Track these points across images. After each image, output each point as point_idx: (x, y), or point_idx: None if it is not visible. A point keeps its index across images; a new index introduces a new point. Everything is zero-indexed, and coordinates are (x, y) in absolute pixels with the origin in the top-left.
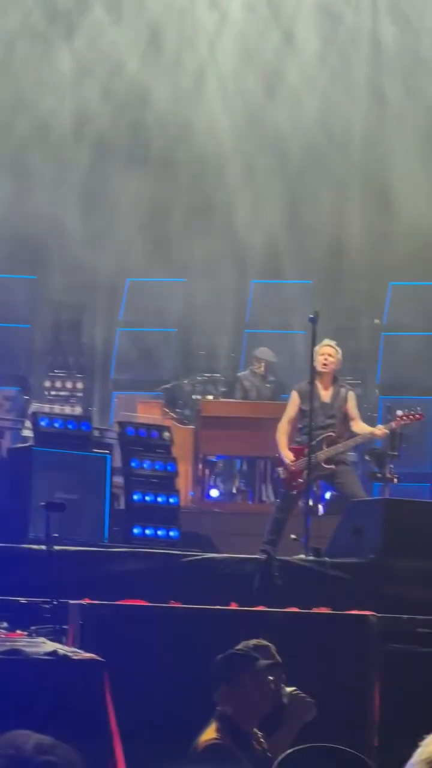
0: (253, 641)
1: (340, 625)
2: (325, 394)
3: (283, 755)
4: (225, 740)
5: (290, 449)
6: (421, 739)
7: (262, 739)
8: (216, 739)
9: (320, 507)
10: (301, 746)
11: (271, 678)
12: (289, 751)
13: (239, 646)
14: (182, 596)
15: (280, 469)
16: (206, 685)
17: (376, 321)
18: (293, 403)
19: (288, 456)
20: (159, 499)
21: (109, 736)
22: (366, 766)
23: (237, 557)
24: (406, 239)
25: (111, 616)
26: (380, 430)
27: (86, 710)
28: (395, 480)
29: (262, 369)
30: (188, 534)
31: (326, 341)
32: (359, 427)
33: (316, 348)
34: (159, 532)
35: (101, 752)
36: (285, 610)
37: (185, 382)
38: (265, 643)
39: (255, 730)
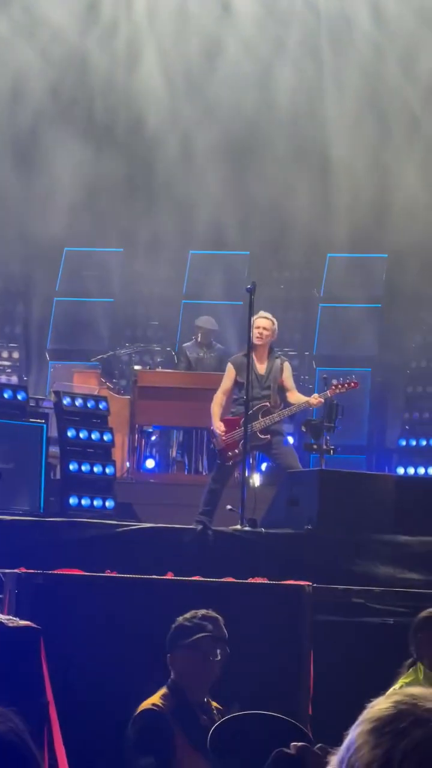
0: (202, 611)
1: (276, 595)
2: (261, 366)
3: (218, 723)
4: (166, 708)
5: (225, 420)
6: (356, 708)
7: (216, 710)
8: (152, 706)
9: (256, 478)
10: (236, 714)
11: (212, 650)
12: (224, 719)
13: (187, 615)
14: (118, 567)
15: (215, 440)
16: (141, 653)
17: (314, 292)
18: (229, 375)
19: (219, 428)
20: (95, 470)
21: (45, 701)
22: (302, 733)
23: (172, 527)
24: (345, 211)
25: (46, 585)
26: (315, 398)
27: (22, 676)
28: (331, 451)
29: (203, 338)
30: (124, 504)
31: (261, 313)
32: (295, 397)
33: (252, 320)
34: (95, 503)
35: (37, 717)
36: (221, 580)
37: (122, 352)
38: (214, 614)
39: (208, 700)
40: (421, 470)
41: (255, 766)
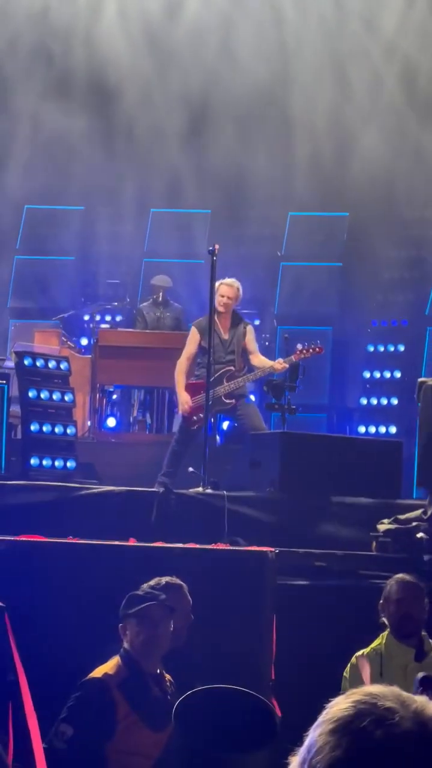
0: (166, 578)
1: (238, 561)
2: (225, 330)
3: (182, 697)
4: (117, 677)
5: (190, 384)
6: (317, 672)
7: (169, 682)
8: (101, 676)
9: (218, 437)
10: (200, 688)
11: (162, 619)
12: (187, 694)
13: (151, 582)
14: (79, 530)
15: (181, 407)
16: (103, 621)
17: (276, 251)
18: (192, 339)
19: (184, 398)
20: (56, 430)
21: (12, 679)
22: (267, 707)
23: (134, 490)
24: (306, 169)
25: (7, 552)
26: (280, 363)
27: None
28: (293, 411)
29: (160, 297)
30: (85, 464)
31: (225, 281)
32: (259, 360)
33: (216, 285)
34: (56, 463)
35: (8, 688)
36: (183, 546)
37: (83, 311)
38: (177, 582)
39: (161, 671)
40: (382, 429)
41: (219, 741)
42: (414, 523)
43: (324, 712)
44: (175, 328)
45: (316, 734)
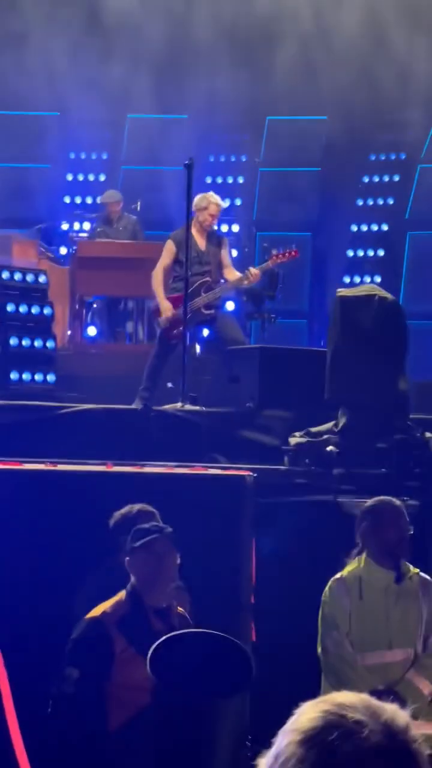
0: (138, 506)
1: (216, 485)
2: (201, 242)
3: (158, 642)
4: (115, 615)
5: (168, 298)
6: (296, 596)
7: (180, 616)
8: (98, 615)
9: (198, 347)
10: (177, 632)
11: (169, 552)
12: (163, 638)
13: (123, 511)
14: (58, 450)
15: (161, 319)
16: (81, 549)
17: (254, 157)
18: (168, 251)
19: (166, 306)
20: (35, 344)
21: None
22: (242, 650)
23: (113, 408)
24: (284, 73)
25: None
26: (254, 273)
27: None
28: (273, 319)
29: (110, 213)
30: (66, 377)
31: (217, 200)
32: (230, 273)
33: (199, 200)
34: (36, 377)
35: None
36: (160, 470)
37: (60, 220)
38: (149, 508)
39: (171, 605)
40: None
41: (194, 684)
42: (325, 437)
43: (292, 720)
44: (131, 239)
45: (283, 743)
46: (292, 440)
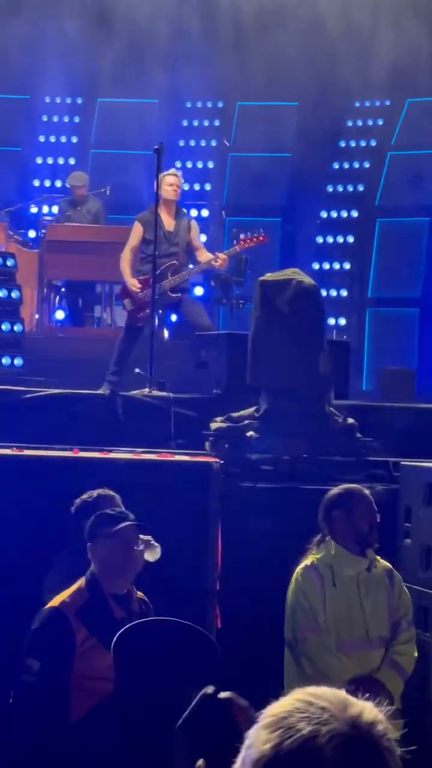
0: (98, 491)
1: (183, 472)
2: (169, 223)
3: (121, 630)
4: (75, 604)
5: (136, 280)
6: (261, 582)
7: (139, 602)
8: (57, 605)
9: (166, 332)
10: (141, 621)
11: (135, 539)
12: (127, 626)
13: (84, 496)
14: (25, 435)
15: (126, 301)
16: (47, 536)
17: (224, 141)
18: (136, 232)
19: (134, 284)
20: (3, 327)
21: None
22: (207, 639)
23: (80, 393)
24: (255, 59)
25: None
26: (221, 258)
27: None
28: (240, 305)
29: (76, 196)
30: (33, 361)
31: (170, 171)
32: (203, 256)
33: (161, 176)
34: (3, 360)
35: None
36: (126, 456)
37: (30, 204)
38: (110, 493)
39: (131, 591)
40: (332, 320)
41: (158, 672)
42: (246, 422)
43: (266, 710)
44: (94, 223)
45: (253, 730)
46: (213, 425)
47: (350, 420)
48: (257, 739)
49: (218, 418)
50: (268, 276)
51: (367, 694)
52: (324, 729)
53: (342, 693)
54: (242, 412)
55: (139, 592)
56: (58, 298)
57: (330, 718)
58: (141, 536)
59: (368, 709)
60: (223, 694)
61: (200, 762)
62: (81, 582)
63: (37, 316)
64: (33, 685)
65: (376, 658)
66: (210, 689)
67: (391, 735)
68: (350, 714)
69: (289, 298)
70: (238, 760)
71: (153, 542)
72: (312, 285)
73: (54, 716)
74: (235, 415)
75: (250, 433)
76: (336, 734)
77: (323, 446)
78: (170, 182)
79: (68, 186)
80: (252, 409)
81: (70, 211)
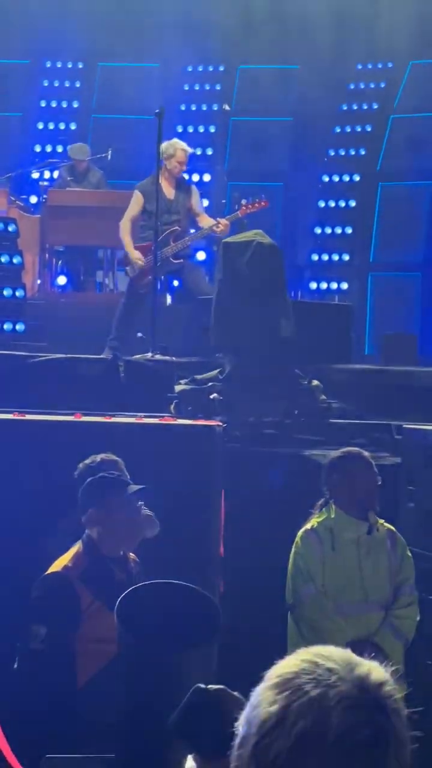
0: (101, 455)
1: (185, 436)
2: (170, 191)
3: (125, 593)
4: (76, 568)
5: (137, 247)
6: (265, 546)
7: (134, 562)
8: (60, 569)
9: (168, 297)
10: (143, 583)
11: (140, 503)
12: (130, 588)
13: (87, 461)
14: (27, 399)
15: (129, 268)
16: (51, 500)
17: (225, 107)
18: (136, 202)
19: (135, 255)
20: (5, 293)
21: None
22: (209, 602)
23: (83, 358)
24: (257, 22)
25: None
26: (223, 223)
27: None
28: None
29: (77, 167)
30: (35, 326)
31: (184, 146)
32: (204, 221)
33: (174, 148)
34: (5, 326)
35: None
36: (130, 421)
37: (31, 170)
38: (113, 457)
39: (125, 553)
40: (334, 285)
41: (161, 636)
42: (210, 384)
43: (271, 669)
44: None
45: (259, 689)
46: (178, 387)
47: (315, 382)
48: (264, 699)
49: (182, 381)
50: (231, 238)
51: (372, 654)
52: (332, 692)
53: (348, 653)
54: (206, 375)
55: (131, 554)
56: (59, 263)
57: (338, 680)
58: (144, 510)
59: (375, 670)
60: (213, 687)
61: (192, 756)
62: (78, 546)
63: (38, 282)
64: (40, 652)
65: (375, 622)
66: (201, 685)
67: (398, 696)
68: (357, 675)
69: (248, 260)
70: (242, 720)
71: (153, 518)
72: (272, 245)
73: (62, 681)
74: (199, 377)
75: (213, 396)
76: (344, 696)
77: (286, 408)
78: (180, 159)
79: (70, 157)
80: (216, 371)
81: (72, 182)
